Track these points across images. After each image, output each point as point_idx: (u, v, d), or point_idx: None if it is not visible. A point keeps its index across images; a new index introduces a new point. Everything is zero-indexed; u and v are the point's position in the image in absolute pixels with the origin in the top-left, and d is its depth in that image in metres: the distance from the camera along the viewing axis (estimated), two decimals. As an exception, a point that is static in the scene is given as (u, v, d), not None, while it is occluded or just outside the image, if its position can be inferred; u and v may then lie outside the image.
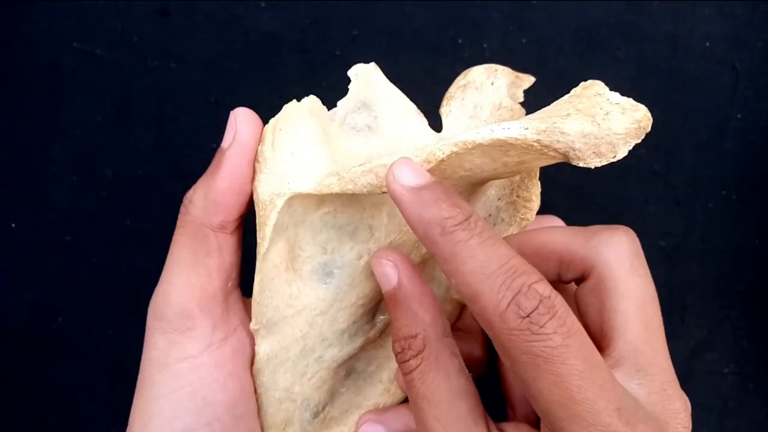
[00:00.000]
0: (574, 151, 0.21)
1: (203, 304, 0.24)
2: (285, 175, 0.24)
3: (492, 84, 0.27)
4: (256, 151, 0.24)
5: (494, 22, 0.39)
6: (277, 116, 0.25)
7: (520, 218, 0.27)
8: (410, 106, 0.27)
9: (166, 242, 0.40)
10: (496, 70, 0.27)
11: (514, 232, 0.27)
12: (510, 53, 0.39)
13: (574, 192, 0.39)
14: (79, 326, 0.40)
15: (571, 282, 0.25)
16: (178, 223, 0.25)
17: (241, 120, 0.24)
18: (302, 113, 0.25)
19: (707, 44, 0.39)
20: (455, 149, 0.22)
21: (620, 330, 0.22)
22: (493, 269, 0.20)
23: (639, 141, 0.21)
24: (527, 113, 0.27)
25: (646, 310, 0.22)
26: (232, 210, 0.24)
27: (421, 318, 0.23)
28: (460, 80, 0.28)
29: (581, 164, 0.21)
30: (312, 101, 0.26)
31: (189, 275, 0.24)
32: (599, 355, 0.20)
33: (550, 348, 0.19)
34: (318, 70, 0.40)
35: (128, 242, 0.40)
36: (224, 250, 0.24)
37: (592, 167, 0.21)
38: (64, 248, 0.40)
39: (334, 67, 0.40)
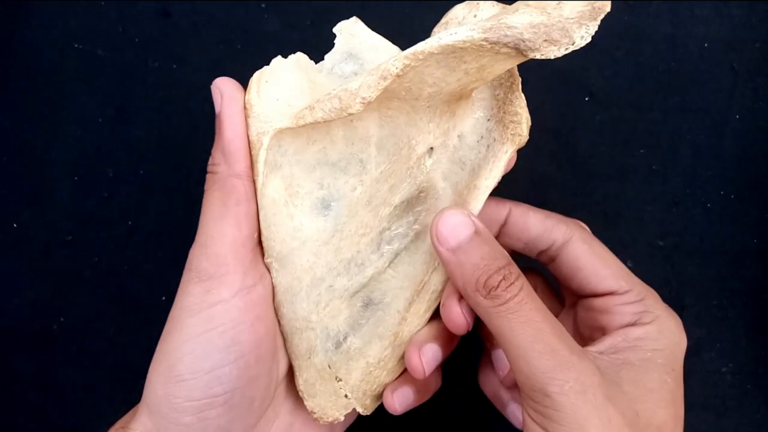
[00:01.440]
0: (524, 42, 0.21)
1: (236, 251, 0.26)
2: (268, 116, 0.26)
3: (475, 16, 0.27)
4: (243, 98, 0.27)
5: (494, 23, 0.39)
6: (263, 68, 0.27)
7: (511, 134, 0.28)
8: (394, 49, 0.29)
9: (168, 241, 0.41)
10: (478, 4, 0.27)
11: (508, 150, 0.28)
12: (509, 54, 0.39)
13: (573, 192, 0.39)
14: (80, 325, 0.40)
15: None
16: (207, 185, 0.27)
17: (221, 84, 0.27)
18: (288, 67, 0.27)
19: (706, 45, 0.39)
20: (407, 62, 0.23)
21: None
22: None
23: (596, 23, 0.21)
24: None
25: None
26: (248, 154, 0.26)
27: (505, 251, 0.26)
28: (442, 19, 0.28)
29: (538, 56, 0.21)
30: (299, 57, 0.28)
31: (222, 225, 0.25)
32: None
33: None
34: (318, 71, 0.40)
35: (129, 241, 0.40)
36: (251, 198, 0.26)
37: (552, 57, 0.21)
38: (66, 248, 0.40)
39: (334, 67, 0.40)
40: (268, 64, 0.40)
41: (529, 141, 0.28)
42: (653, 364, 0.26)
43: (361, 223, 0.28)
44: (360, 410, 0.29)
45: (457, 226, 0.26)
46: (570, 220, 0.29)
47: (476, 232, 0.26)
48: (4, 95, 0.40)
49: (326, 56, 0.28)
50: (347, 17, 0.40)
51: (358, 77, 0.24)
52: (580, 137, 0.39)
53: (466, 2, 0.28)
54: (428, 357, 0.28)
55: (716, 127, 0.39)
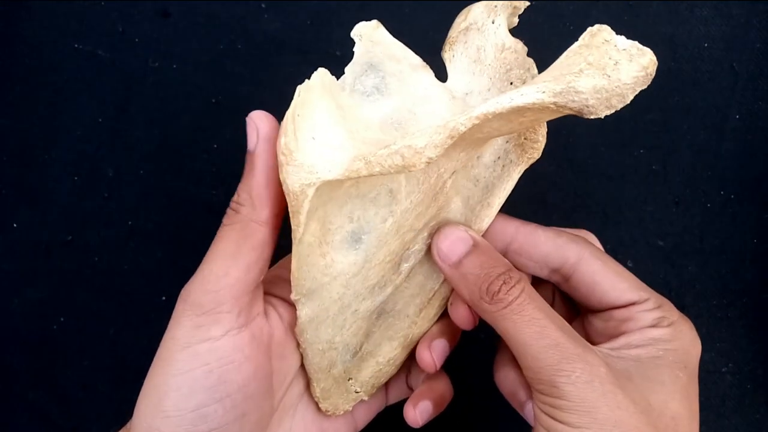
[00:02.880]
0: (588, 108, 0.22)
1: (236, 293, 0.26)
2: (311, 165, 0.24)
3: (493, 22, 0.27)
4: (280, 144, 0.25)
5: (494, 23, 0.39)
6: (293, 103, 0.25)
7: (528, 158, 0.28)
8: (416, 60, 0.28)
9: (168, 241, 0.41)
10: (495, 6, 0.27)
11: (521, 170, 0.29)
12: (509, 54, 0.39)
13: (573, 192, 0.39)
14: (80, 325, 0.40)
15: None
16: (227, 220, 0.26)
17: (258, 119, 0.26)
18: (315, 92, 0.26)
19: (705, 45, 0.39)
20: (476, 122, 0.23)
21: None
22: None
23: (644, 87, 0.22)
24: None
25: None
26: (276, 202, 0.26)
27: (504, 259, 0.28)
28: (461, 23, 0.28)
29: (592, 116, 0.22)
30: (321, 75, 0.26)
31: (230, 266, 0.25)
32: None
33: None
34: (318, 71, 0.40)
35: (129, 241, 0.40)
36: (267, 245, 0.26)
37: (602, 116, 0.22)
38: (66, 248, 0.40)
39: (334, 67, 0.40)
40: (268, 64, 0.40)
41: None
42: (664, 360, 0.26)
43: (389, 251, 0.28)
44: (365, 398, 0.31)
45: (455, 242, 0.27)
46: (579, 236, 0.29)
47: (474, 245, 0.27)
48: (4, 95, 0.40)
49: (346, 69, 0.27)
50: (347, 18, 0.40)
51: (422, 133, 0.23)
52: (580, 137, 0.39)
53: (484, 4, 0.27)
54: (438, 352, 0.30)
55: (716, 127, 0.39)
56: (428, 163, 0.23)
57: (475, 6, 0.27)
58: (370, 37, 0.27)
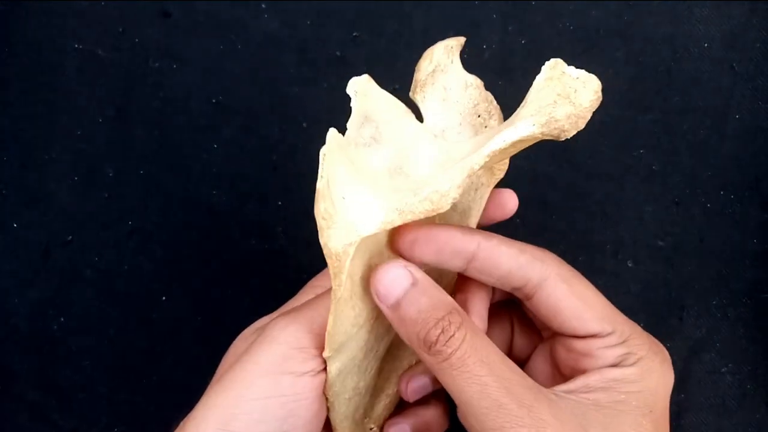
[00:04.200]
0: (564, 132, 0.25)
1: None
2: (351, 224, 0.25)
3: (452, 62, 0.29)
4: (319, 210, 0.25)
5: (494, 22, 0.39)
6: (322, 168, 0.25)
7: (495, 178, 0.30)
8: (401, 108, 0.29)
9: (168, 241, 0.41)
10: (451, 47, 0.29)
11: (490, 189, 0.30)
12: (510, 53, 0.39)
13: (573, 192, 0.39)
14: (80, 326, 0.40)
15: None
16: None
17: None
18: (333, 152, 0.26)
19: (705, 45, 0.39)
20: (486, 159, 0.24)
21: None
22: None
23: (599, 106, 0.25)
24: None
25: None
26: None
27: (446, 298, 0.25)
28: (427, 66, 0.29)
29: (564, 138, 0.25)
30: (333, 136, 0.26)
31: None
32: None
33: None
34: (318, 70, 0.40)
35: (129, 242, 0.40)
36: None
37: (570, 137, 0.25)
38: (66, 248, 0.40)
39: (334, 67, 0.40)
40: (268, 64, 0.40)
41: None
42: (626, 406, 0.25)
43: None
44: (377, 430, 0.32)
45: (393, 281, 0.25)
46: (547, 255, 0.28)
47: (413, 284, 0.25)
48: (4, 95, 0.40)
49: (348, 124, 0.28)
50: (347, 18, 0.40)
51: (444, 177, 0.25)
52: (580, 137, 0.39)
53: (443, 46, 0.29)
54: (414, 386, 0.30)
55: (716, 127, 0.39)
56: (453, 202, 0.25)
57: (436, 48, 0.29)
58: (364, 90, 0.28)
